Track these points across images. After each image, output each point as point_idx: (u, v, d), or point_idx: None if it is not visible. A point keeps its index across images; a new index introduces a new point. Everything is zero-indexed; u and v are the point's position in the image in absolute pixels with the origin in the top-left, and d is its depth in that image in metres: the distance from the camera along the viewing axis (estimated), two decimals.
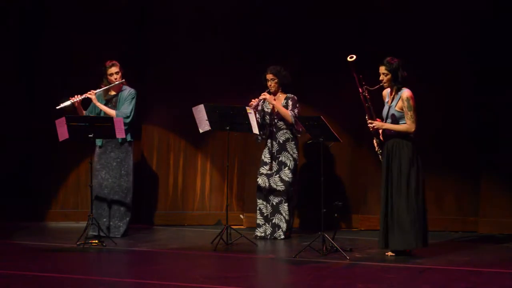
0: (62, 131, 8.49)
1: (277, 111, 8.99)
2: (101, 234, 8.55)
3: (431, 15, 9.64)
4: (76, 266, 7.66)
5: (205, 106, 8.70)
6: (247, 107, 8.62)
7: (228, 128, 8.64)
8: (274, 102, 8.97)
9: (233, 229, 8.72)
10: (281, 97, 9.06)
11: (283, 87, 9.06)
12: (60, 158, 10.13)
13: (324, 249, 7.98)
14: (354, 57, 7.90)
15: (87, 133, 8.46)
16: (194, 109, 8.79)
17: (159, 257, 8.20)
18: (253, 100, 8.90)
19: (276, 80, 9.00)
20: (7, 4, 10.16)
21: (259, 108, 9.13)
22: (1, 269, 7.14)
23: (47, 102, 9.72)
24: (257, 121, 8.82)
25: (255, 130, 8.60)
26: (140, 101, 9.76)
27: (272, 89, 9.02)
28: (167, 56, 10.21)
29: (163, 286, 6.67)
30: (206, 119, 8.69)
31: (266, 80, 9.02)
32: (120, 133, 8.51)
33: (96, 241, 8.45)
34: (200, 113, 8.73)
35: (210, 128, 8.77)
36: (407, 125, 7.91)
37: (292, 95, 9.04)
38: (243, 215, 10.10)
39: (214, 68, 10.11)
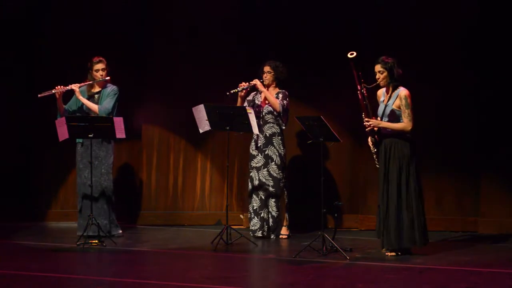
0: (62, 131, 8.49)
1: (266, 100, 9.03)
2: (101, 233, 8.55)
3: (430, 14, 9.65)
4: (76, 266, 7.66)
5: (205, 106, 8.70)
6: (247, 107, 8.63)
7: (228, 128, 8.64)
8: (264, 89, 9.02)
9: (233, 229, 8.71)
10: (273, 91, 9.13)
11: (278, 83, 9.11)
12: (60, 158, 10.13)
13: (324, 249, 7.98)
14: (355, 53, 7.92)
15: (87, 133, 8.46)
16: (194, 109, 8.79)
17: (159, 257, 8.20)
18: (243, 82, 8.94)
19: (272, 73, 9.08)
20: (8, 2, 10.15)
21: (250, 98, 9.16)
22: (1, 269, 7.14)
23: (47, 102, 9.73)
24: None
25: (255, 130, 8.61)
26: (140, 101, 9.79)
27: (266, 82, 9.09)
28: (167, 56, 10.21)
29: (163, 286, 6.67)
30: (206, 119, 8.70)
31: (263, 72, 9.08)
32: (120, 133, 8.50)
33: (96, 241, 8.45)
34: (200, 113, 8.73)
35: (210, 128, 8.77)
36: (404, 123, 7.92)
37: (284, 90, 9.09)
38: (243, 215, 10.10)
39: (214, 68, 10.11)
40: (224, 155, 9.34)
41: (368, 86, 8.00)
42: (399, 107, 7.94)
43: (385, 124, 7.99)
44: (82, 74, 9.59)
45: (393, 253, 7.97)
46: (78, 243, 8.41)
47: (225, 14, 10.15)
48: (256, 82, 9.03)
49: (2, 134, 10.13)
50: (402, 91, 7.95)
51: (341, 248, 7.91)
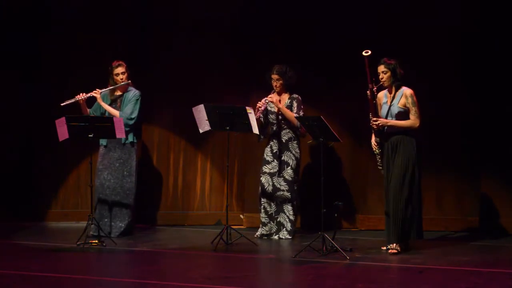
0: (62, 131, 8.49)
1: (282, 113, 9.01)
2: (101, 234, 8.55)
3: (431, 14, 9.65)
4: (76, 266, 7.66)
5: (205, 106, 8.70)
6: (247, 107, 8.62)
7: (228, 128, 8.64)
8: (280, 106, 8.98)
9: (233, 229, 8.72)
10: (285, 96, 9.09)
11: (288, 88, 9.08)
12: (60, 158, 10.13)
13: (324, 249, 7.99)
14: (370, 52, 7.96)
15: (87, 133, 8.47)
16: (194, 109, 8.79)
17: (159, 257, 8.21)
18: (259, 103, 8.91)
19: (281, 81, 9.03)
20: (9, 2, 10.15)
21: (263, 107, 9.14)
22: (1, 269, 7.14)
23: (47, 102, 9.75)
24: (260, 120, 8.88)
25: (255, 130, 8.61)
26: (140, 101, 9.77)
27: (277, 89, 9.05)
28: (167, 56, 10.21)
29: (163, 286, 6.68)
30: (206, 119, 8.70)
31: (271, 80, 9.04)
32: (120, 133, 8.51)
33: (96, 241, 8.46)
34: (200, 113, 8.73)
35: (210, 128, 8.77)
36: (412, 120, 8.02)
37: (297, 96, 9.06)
38: (243, 215, 10.10)
39: (214, 68, 10.11)
40: (224, 155, 9.34)
41: (376, 86, 8.07)
42: (405, 106, 8.03)
43: (393, 122, 8.07)
44: (83, 75, 9.62)
45: (394, 250, 7.99)
46: (78, 243, 8.41)
47: (226, 14, 10.14)
48: (272, 99, 8.95)
49: (2, 134, 10.12)
50: (407, 90, 8.06)
51: (341, 248, 7.92)
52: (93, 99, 9.01)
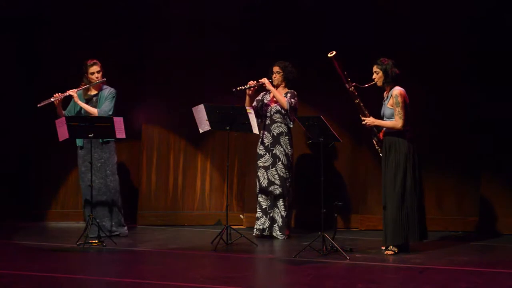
0: (62, 131, 8.49)
1: (275, 98, 9.01)
2: (101, 234, 8.55)
3: (431, 14, 9.65)
4: (76, 266, 7.67)
5: (205, 106, 8.70)
6: (247, 107, 8.63)
7: (228, 128, 8.64)
8: (271, 88, 9.00)
9: (233, 229, 8.72)
10: (282, 91, 9.10)
11: (287, 83, 9.09)
12: (60, 158, 10.13)
13: (324, 249, 7.99)
14: (334, 52, 7.97)
15: (87, 133, 8.46)
16: (194, 109, 8.80)
17: (159, 257, 8.20)
18: (251, 81, 8.93)
19: (281, 74, 9.06)
20: (7, 3, 10.16)
21: (260, 98, 9.16)
22: (1, 269, 7.14)
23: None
24: (255, 110, 8.88)
25: (255, 130, 8.61)
26: (140, 101, 9.79)
27: (275, 82, 9.06)
28: (167, 56, 10.21)
29: (163, 286, 6.68)
30: (206, 119, 8.70)
31: (272, 73, 9.06)
32: (120, 133, 8.50)
33: (96, 241, 8.46)
34: (200, 113, 8.73)
35: (210, 128, 8.77)
36: (394, 121, 8.01)
37: (293, 90, 9.07)
38: (243, 215, 10.10)
39: (214, 68, 10.11)
40: (224, 155, 9.34)
41: (361, 86, 8.07)
42: (392, 106, 8.01)
43: (378, 122, 8.10)
44: (82, 77, 9.60)
45: (391, 252, 7.99)
46: (78, 243, 8.41)
47: (225, 14, 10.14)
48: (265, 80, 9.00)
49: (2, 134, 10.13)
50: (395, 90, 8.04)
51: (341, 248, 7.92)
52: (68, 100, 8.92)
